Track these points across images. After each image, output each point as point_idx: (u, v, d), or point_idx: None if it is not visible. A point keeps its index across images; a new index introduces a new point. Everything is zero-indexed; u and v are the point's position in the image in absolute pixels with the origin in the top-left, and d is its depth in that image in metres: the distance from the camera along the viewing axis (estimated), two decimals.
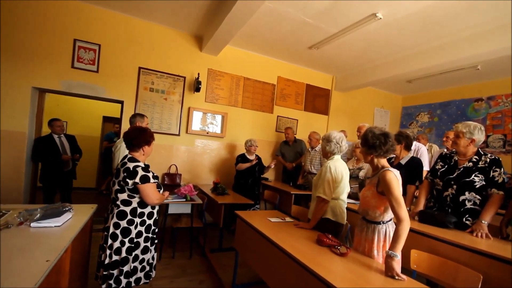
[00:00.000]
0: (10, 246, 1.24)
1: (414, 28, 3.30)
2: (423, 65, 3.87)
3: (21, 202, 3.33)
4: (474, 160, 2.11)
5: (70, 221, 1.65)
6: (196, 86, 4.07)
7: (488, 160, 2.06)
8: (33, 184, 3.70)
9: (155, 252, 2.00)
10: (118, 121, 5.27)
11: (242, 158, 4.02)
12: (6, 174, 3.27)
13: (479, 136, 2.09)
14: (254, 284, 2.60)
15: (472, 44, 3.31)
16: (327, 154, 2.17)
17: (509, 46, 2.99)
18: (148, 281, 1.93)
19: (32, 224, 1.50)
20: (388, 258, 1.36)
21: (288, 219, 2.33)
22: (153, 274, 1.99)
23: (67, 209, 1.70)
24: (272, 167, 4.17)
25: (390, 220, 1.64)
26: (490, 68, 4.25)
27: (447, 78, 4.87)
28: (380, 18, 3.06)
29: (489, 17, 2.93)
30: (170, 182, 4.03)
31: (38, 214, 1.55)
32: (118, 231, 1.78)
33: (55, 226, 1.53)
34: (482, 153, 2.12)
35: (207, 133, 4.39)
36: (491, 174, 2.02)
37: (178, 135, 4.19)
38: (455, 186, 2.13)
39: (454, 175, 2.16)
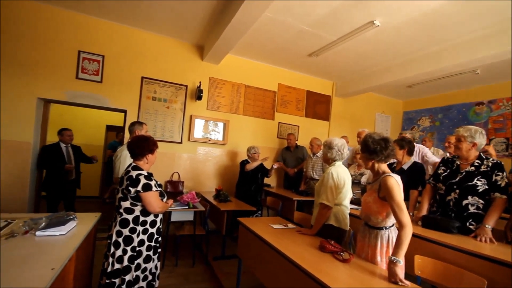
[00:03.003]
0: (16, 255, 1.26)
1: (412, 34, 3.34)
2: (423, 70, 3.91)
3: (25, 211, 3.35)
4: (476, 164, 2.11)
5: (74, 230, 1.67)
6: (198, 95, 4.13)
7: (490, 164, 2.06)
8: (37, 193, 3.73)
9: (158, 261, 2.00)
10: (121, 129, 5.33)
11: (248, 163, 4.02)
12: (11, 184, 3.31)
13: (481, 140, 2.10)
14: None
15: (471, 49, 3.34)
16: (328, 161, 2.18)
17: (508, 50, 3.01)
18: None
19: (37, 233, 1.52)
20: (391, 264, 1.36)
21: (290, 225, 2.33)
22: (156, 284, 1.98)
23: (71, 217, 1.72)
24: (276, 167, 4.17)
25: (393, 225, 1.64)
26: (489, 72, 4.27)
27: (447, 83, 4.89)
28: (378, 26, 3.11)
29: (488, 22, 2.96)
30: (172, 190, 4.04)
31: (43, 223, 1.57)
32: (120, 239, 1.79)
33: (59, 235, 1.55)
34: (484, 157, 2.12)
35: (209, 140, 4.42)
36: (494, 178, 2.01)
37: (181, 142, 4.22)
38: (457, 191, 2.13)
39: (457, 180, 2.15)
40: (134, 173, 1.82)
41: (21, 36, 3.31)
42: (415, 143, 3.22)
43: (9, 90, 3.28)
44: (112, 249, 1.77)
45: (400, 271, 1.36)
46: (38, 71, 3.40)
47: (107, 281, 1.76)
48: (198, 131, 4.35)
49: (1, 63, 3.23)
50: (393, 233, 1.61)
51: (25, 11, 3.31)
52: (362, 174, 3.21)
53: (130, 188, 1.79)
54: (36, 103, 3.41)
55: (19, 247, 1.36)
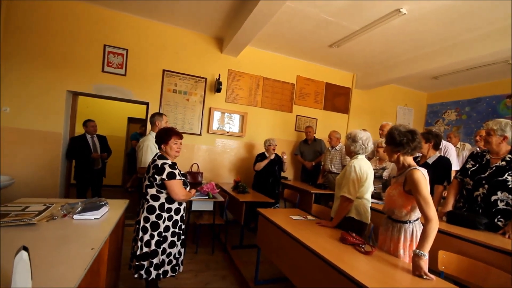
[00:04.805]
0: (59, 235, 1.37)
1: (440, 22, 3.18)
2: (450, 60, 3.72)
3: (57, 197, 3.58)
4: (508, 159, 2.02)
5: (106, 215, 1.77)
6: (217, 87, 4.17)
7: None
8: (67, 180, 3.96)
9: (181, 247, 2.09)
10: (142, 121, 5.51)
11: (261, 158, 4.05)
12: (43, 172, 3.53)
13: None
14: (276, 280, 2.64)
15: (502, 38, 3.15)
16: (351, 153, 2.16)
17: None
18: (174, 274, 2.01)
19: (75, 216, 1.63)
20: (416, 257, 1.35)
21: (310, 217, 2.35)
22: (180, 268, 2.07)
23: (103, 203, 1.82)
24: (285, 157, 4.13)
25: (417, 219, 1.62)
26: None
27: (476, 74, 4.64)
28: (405, 14, 2.98)
29: None
30: (192, 181, 4.13)
31: (79, 207, 1.68)
32: (148, 225, 1.89)
33: (94, 219, 1.65)
34: None
35: (228, 132, 4.48)
36: None
37: (200, 134, 4.31)
38: (486, 186, 2.06)
39: (486, 174, 2.08)
40: (159, 162, 1.91)
41: (51, 32, 3.47)
42: (443, 141, 3.10)
43: (41, 83, 3.46)
44: (141, 233, 1.88)
45: (425, 264, 1.35)
46: (67, 64, 3.56)
47: (136, 263, 1.88)
48: (217, 123, 4.42)
49: (34, 58, 3.42)
50: (417, 227, 1.60)
51: (54, 7, 3.46)
52: (383, 169, 3.15)
53: (156, 176, 1.87)
54: (65, 95, 3.59)
55: (60, 228, 1.47)
